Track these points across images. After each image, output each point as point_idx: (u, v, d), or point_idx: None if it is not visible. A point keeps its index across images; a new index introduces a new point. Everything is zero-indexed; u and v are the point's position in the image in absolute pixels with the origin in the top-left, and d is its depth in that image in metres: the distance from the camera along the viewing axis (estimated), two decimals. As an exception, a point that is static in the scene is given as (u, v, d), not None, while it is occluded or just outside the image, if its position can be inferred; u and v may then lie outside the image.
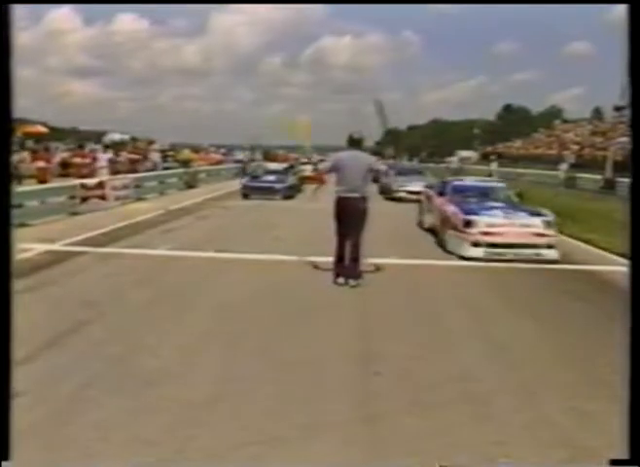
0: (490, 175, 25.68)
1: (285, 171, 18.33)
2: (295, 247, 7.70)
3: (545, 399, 3.24)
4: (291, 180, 17.11)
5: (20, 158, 17.43)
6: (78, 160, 21.98)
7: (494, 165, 30.49)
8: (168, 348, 3.94)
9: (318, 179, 18.12)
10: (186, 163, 24.92)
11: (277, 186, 16.01)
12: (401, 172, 18.74)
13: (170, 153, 31.62)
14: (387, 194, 17.11)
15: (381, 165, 7.40)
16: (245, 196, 15.98)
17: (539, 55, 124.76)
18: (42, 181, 15.88)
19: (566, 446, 2.67)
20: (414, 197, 14.35)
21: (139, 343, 4.01)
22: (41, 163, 18.66)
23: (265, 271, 6.57)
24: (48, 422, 2.80)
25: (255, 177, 17.56)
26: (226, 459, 2.52)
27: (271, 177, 16.90)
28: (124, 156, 24.64)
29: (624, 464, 1.63)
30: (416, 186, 14.97)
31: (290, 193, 16.19)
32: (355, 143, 6.20)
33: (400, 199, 16.01)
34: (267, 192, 15.76)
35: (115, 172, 17.77)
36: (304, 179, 18.91)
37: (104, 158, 19.05)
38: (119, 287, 5.71)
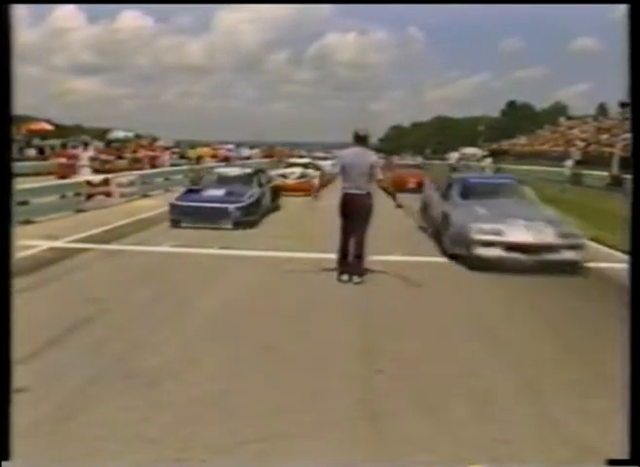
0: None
1: (249, 178, 11.26)
2: (297, 244, 7.72)
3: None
4: (254, 194, 10.35)
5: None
6: (104, 156, 22.88)
7: (487, 163, 28.02)
8: (170, 346, 3.95)
9: (305, 189, 13.93)
10: (198, 160, 25.51)
11: (228, 206, 9.61)
12: (472, 191, 8.25)
13: (175, 150, 31.77)
14: (454, 248, 7.15)
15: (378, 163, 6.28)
16: (175, 222, 9.68)
17: (543, 52, 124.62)
18: (62, 177, 16.28)
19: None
20: (531, 259, 6.40)
21: (141, 341, 4.02)
22: (62, 160, 18.96)
23: (267, 268, 6.57)
24: (50, 419, 2.82)
25: (193, 191, 10.84)
26: (228, 456, 2.53)
27: (220, 191, 10.27)
28: (144, 153, 25.60)
29: (624, 464, 1.63)
30: (528, 230, 6.58)
31: (248, 217, 9.79)
32: (361, 140, 6.15)
33: (492, 267, 6.41)
34: (210, 216, 9.54)
35: (135, 169, 18.18)
36: (280, 190, 13.05)
37: (85, 156, 18.07)
38: (122, 284, 5.73)
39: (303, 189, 14.87)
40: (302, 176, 16.37)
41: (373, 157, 6.25)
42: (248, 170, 12.16)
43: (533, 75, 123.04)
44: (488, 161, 28.11)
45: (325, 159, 24.99)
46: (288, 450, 2.59)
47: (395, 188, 15.02)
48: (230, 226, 9.46)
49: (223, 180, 11.40)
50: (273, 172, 15.57)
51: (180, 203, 9.95)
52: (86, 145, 19.01)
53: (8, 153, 1.81)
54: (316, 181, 16.08)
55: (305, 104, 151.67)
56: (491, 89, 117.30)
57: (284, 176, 16.05)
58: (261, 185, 11.20)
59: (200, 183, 11.51)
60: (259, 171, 12.26)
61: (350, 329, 4.41)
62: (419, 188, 16.68)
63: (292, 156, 33.23)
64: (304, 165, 18.25)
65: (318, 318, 4.68)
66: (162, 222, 10.23)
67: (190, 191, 10.90)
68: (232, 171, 12.21)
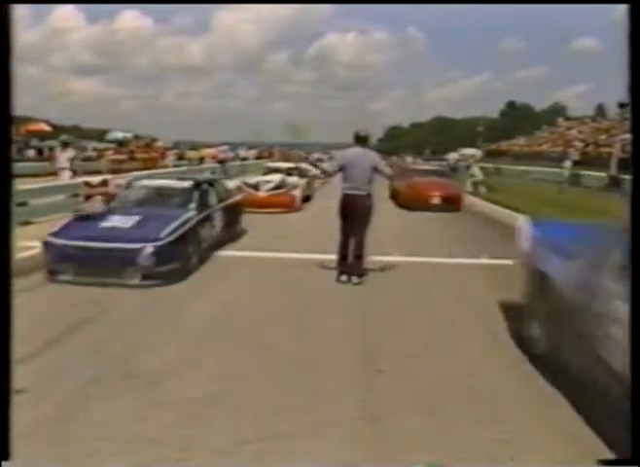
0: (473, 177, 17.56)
1: (186, 196, 7.02)
2: (296, 244, 7.73)
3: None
4: (186, 222, 6.24)
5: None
6: (115, 156, 23.74)
7: (476, 171, 18.45)
8: (170, 346, 3.95)
9: (281, 204, 11.50)
10: (201, 161, 25.81)
11: (135, 246, 5.60)
12: None
13: (174, 151, 31.78)
14: None
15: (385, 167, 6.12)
16: (51, 273, 5.67)
17: (543, 52, 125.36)
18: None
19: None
20: None
21: (141, 341, 4.02)
22: None
23: (266, 269, 6.57)
24: (50, 419, 2.81)
25: (85, 219, 6.20)
26: (228, 456, 2.53)
27: (130, 218, 6.14)
28: (149, 154, 26.47)
29: (624, 464, 1.63)
30: None
31: (171, 263, 5.72)
32: (361, 140, 6.13)
33: None
34: (105, 264, 5.56)
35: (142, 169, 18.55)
36: (241, 207, 9.04)
37: (64, 157, 16.06)
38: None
39: (279, 203, 11.80)
40: (280, 186, 12.52)
41: (375, 158, 6.19)
42: (186, 183, 7.39)
43: (533, 75, 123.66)
44: (476, 170, 18.53)
45: (321, 160, 24.42)
46: (288, 450, 2.59)
47: (412, 204, 11.97)
48: (136, 281, 5.57)
49: (145, 199, 7.08)
50: (239, 181, 12.66)
51: (59, 242, 5.78)
52: (65, 145, 17.56)
53: (8, 153, 1.81)
54: (297, 192, 12.82)
55: (305, 104, 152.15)
56: (491, 89, 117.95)
57: (255, 187, 12.26)
58: (203, 205, 7.03)
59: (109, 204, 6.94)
60: (203, 184, 7.62)
61: (350, 329, 4.42)
62: (447, 205, 12.50)
63: (290, 156, 32.75)
64: (287, 171, 14.36)
65: (318, 318, 4.68)
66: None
67: (80, 218, 6.30)
68: (165, 184, 7.56)
